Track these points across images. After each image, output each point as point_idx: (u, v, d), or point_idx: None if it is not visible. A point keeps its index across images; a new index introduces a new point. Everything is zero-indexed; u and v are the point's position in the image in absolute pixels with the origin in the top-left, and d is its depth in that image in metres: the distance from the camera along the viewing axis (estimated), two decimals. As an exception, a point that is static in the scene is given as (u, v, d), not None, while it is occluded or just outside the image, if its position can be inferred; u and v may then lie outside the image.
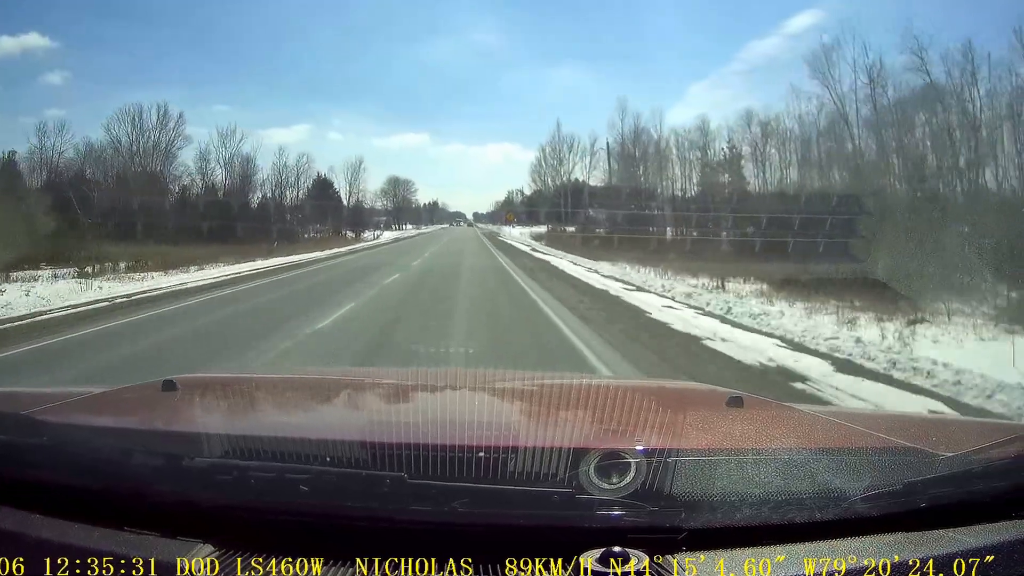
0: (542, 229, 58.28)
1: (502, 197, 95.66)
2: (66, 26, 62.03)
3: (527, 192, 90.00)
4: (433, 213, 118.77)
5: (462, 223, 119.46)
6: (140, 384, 2.02)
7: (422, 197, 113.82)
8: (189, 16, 68.93)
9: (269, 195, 56.21)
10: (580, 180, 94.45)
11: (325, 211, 55.03)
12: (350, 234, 55.23)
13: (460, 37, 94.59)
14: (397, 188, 79.85)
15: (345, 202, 57.88)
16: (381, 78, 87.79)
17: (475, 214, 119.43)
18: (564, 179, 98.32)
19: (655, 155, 50.15)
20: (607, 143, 50.96)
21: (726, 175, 49.16)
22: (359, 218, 61.68)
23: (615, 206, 66.46)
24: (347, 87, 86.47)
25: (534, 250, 37.41)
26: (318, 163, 59.55)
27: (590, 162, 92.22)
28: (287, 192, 56.63)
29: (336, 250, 36.11)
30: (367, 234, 57.43)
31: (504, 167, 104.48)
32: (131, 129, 48.21)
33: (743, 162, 48.20)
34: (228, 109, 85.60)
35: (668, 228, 47.10)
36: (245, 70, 74.94)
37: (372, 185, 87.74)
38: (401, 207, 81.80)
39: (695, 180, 49.68)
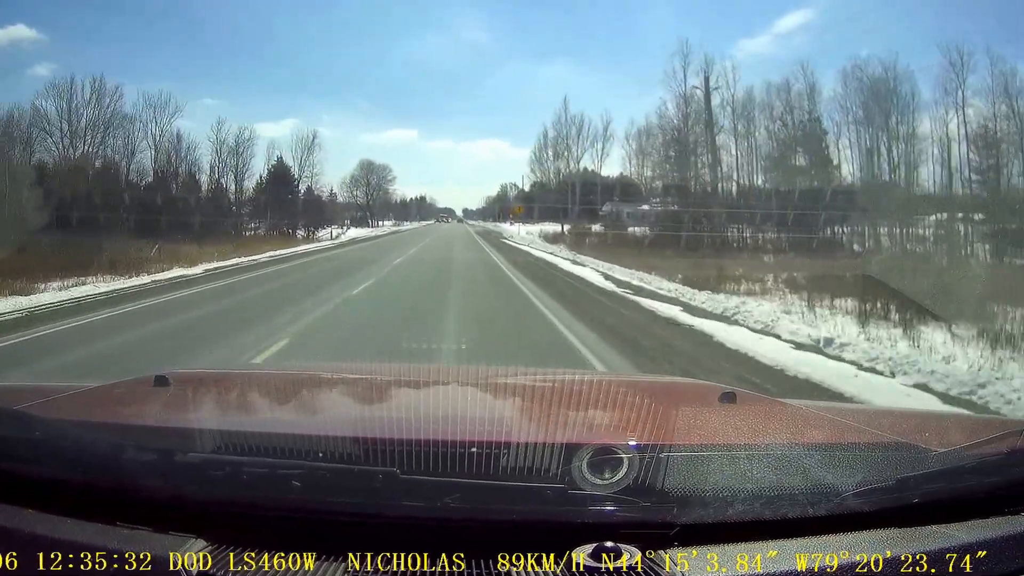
0: (554, 227, 45.17)
1: (494, 192, 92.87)
2: (54, 18, 59.58)
3: (522, 186, 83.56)
4: (420, 208, 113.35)
5: (450, 219, 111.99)
6: (132, 379, 1.97)
7: (408, 191, 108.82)
8: (178, 9, 67.92)
9: (204, 181, 43.40)
10: (590, 169, 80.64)
11: (276, 203, 41.97)
12: (301, 232, 41.90)
13: (450, 33, 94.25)
14: (370, 175, 66.71)
15: (302, 191, 44.86)
16: (370, 73, 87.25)
17: (465, 210, 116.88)
18: (571, 168, 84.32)
19: (704, 124, 36.71)
20: (703, 74, 35.89)
21: (802, 153, 36.00)
22: (318, 212, 48.56)
23: (640, 198, 54.52)
24: (336, 82, 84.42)
25: (629, 288, 15.08)
26: (271, 143, 45.47)
27: (602, 148, 78.54)
28: (226, 178, 43.53)
29: (235, 261, 22.71)
30: (324, 232, 43.88)
31: (494, 164, 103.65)
32: (61, 105, 37.79)
33: (828, 139, 35.03)
34: (217, 103, 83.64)
35: (736, 226, 34.17)
36: (234, 64, 73.59)
37: (342, 172, 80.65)
38: (376, 198, 68.70)
39: (763, 160, 36.43)
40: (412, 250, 27.81)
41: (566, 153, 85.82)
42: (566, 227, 43.52)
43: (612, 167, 71.02)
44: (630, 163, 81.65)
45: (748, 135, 36.25)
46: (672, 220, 35.83)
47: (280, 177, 45.09)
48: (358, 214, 68.15)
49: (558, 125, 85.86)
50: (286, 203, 42.11)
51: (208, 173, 43.07)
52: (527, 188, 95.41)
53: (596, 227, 41.57)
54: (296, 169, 44.38)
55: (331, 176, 77.79)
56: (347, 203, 66.00)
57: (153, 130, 42.29)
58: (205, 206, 40.38)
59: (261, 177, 45.32)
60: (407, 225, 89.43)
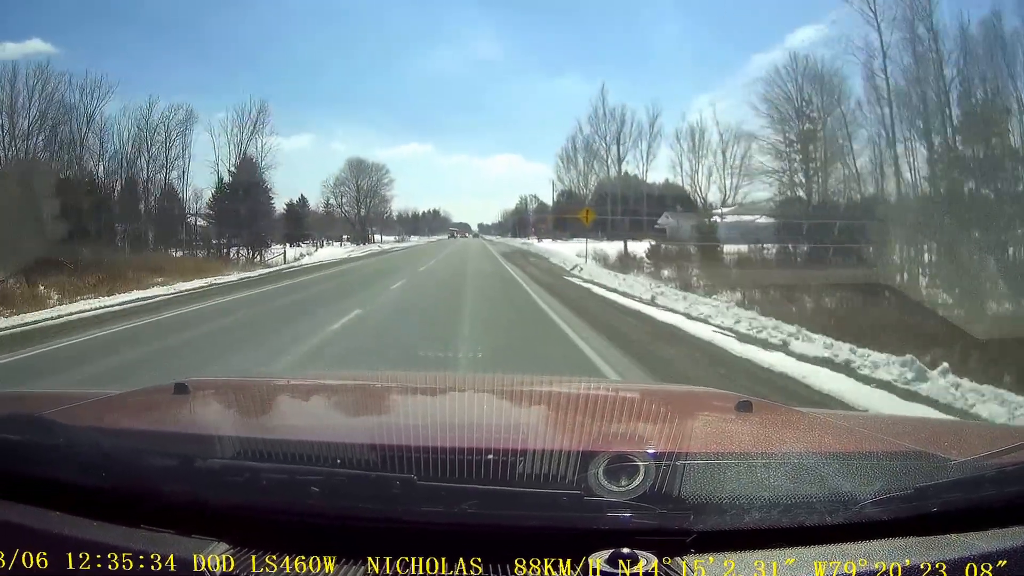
0: (603, 245, 32.39)
1: (511, 206, 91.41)
2: (68, 32, 57.40)
3: (552, 195, 79.01)
4: (434, 221, 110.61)
5: (466, 234, 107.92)
6: (152, 387, 2.02)
7: (422, 205, 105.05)
8: (191, 25, 67.52)
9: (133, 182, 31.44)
10: (632, 174, 68.12)
11: (226, 212, 29.76)
12: (245, 253, 29.13)
13: (463, 49, 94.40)
14: (360, 178, 54.04)
15: (255, 191, 32.39)
16: (384, 89, 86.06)
17: (480, 224, 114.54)
18: (611, 172, 71.89)
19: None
20: None
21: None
22: (292, 224, 36.21)
23: (695, 208, 43.49)
24: (350, 97, 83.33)
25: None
26: (188, 114, 32.81)
27: (648, 149, 65.67)
28: (160, 177, 31.37)
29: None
30: (277, 252, 30.78)
31: (509, 178, 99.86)
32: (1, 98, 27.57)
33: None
34: (233, 116, 69.86)
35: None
36: (247, 79, 74.16)
37: (325, 172, 75.13)
38: (371, 207, 56.01)
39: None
40: (384, 290, 13.89)
41: (605, 154, 72.13)
42: (638, 245, 30.17)
43: (657, 172, 61.48)
44: (681, 167, 68.26)
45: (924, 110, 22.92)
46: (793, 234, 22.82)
47: (242, 179, 32.92)
48: (356, 228, 55.91)
49: (594, 120, 71.73)
50: (231, 213, 29.60)
51: (125, 171, 31.05)
52: (554, 198, 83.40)
53: (662, 245, 28.51)
54: (234, 158, 31.83)
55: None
56: (326, 214, 53.97)
57: (79, 117, 30.71)
58: (109, 214, 28.24)
59: (221, 179, 33.39)
60: (413, 240, 77.37)
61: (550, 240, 62.14)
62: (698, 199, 71.72)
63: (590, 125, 73.74)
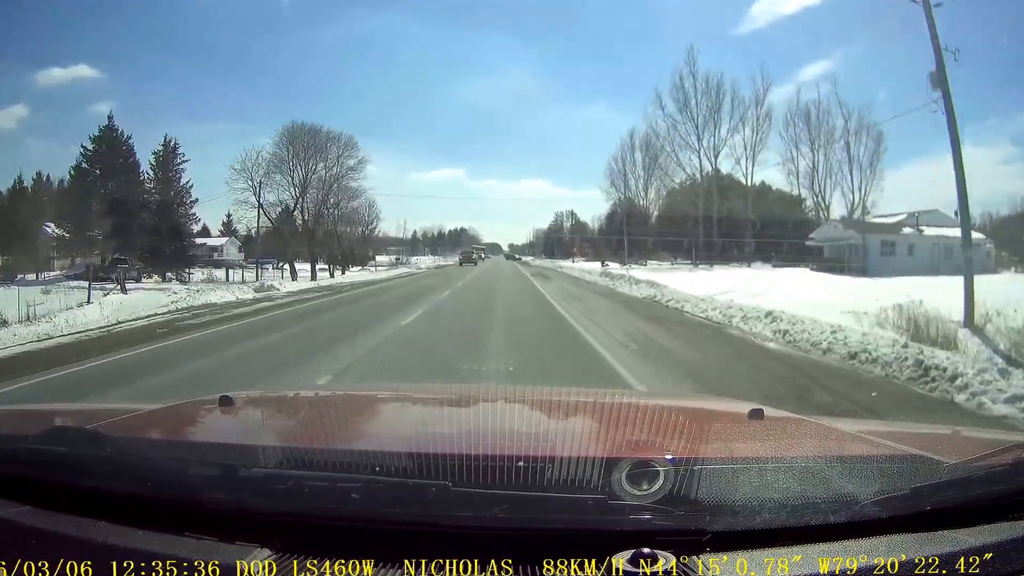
0: (809, 282, 13.19)
1: (541, 226, 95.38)
2: (113, 58, 45.35)
3: (579, 214, 79.86)
4: (460, 238, 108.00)
5: (497, 255, 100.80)
6: (198, 399, 2.07)
7: (448, 223, 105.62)
8: (233, 52, 63.97)
9: None
10: (725, 173, 46.33)
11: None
12: None
13: (497, 80, 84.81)
14: (308, 155, 35.48)
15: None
16: (419, 115, 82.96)
17: (511, 245, 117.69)
18: (704, 168, 49.94)
19: None
20: None
21: None
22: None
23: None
24: (386, 124, 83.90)
25: None
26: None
27: (756, 137, 45.56)
28: None
29: None
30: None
31: (537, 202, 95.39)
32: None
33: None
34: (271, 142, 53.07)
35: None
36: (284, 105, 65.42)
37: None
38: (331, 205, 36.95)
39: None
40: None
41: (697, 142, 51.59)
42: (907, 283, 8.59)
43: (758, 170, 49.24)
44: (796, 163, 48.49)
45: None
46: None
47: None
48: (304, 246, 37.55)
49: (677, 95, 51.40)
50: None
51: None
52: (613, 208, 64.63)
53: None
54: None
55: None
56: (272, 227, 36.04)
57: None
58: None
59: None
60: (408, 266, 58.73)
61: (618, 264, 43.51)
62: (821, 208, 50.79)
63: (672, 100, 51.79)
